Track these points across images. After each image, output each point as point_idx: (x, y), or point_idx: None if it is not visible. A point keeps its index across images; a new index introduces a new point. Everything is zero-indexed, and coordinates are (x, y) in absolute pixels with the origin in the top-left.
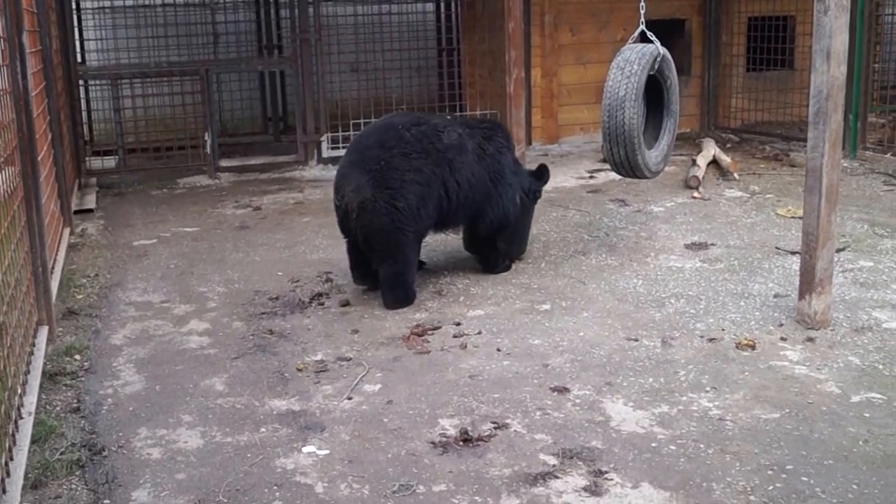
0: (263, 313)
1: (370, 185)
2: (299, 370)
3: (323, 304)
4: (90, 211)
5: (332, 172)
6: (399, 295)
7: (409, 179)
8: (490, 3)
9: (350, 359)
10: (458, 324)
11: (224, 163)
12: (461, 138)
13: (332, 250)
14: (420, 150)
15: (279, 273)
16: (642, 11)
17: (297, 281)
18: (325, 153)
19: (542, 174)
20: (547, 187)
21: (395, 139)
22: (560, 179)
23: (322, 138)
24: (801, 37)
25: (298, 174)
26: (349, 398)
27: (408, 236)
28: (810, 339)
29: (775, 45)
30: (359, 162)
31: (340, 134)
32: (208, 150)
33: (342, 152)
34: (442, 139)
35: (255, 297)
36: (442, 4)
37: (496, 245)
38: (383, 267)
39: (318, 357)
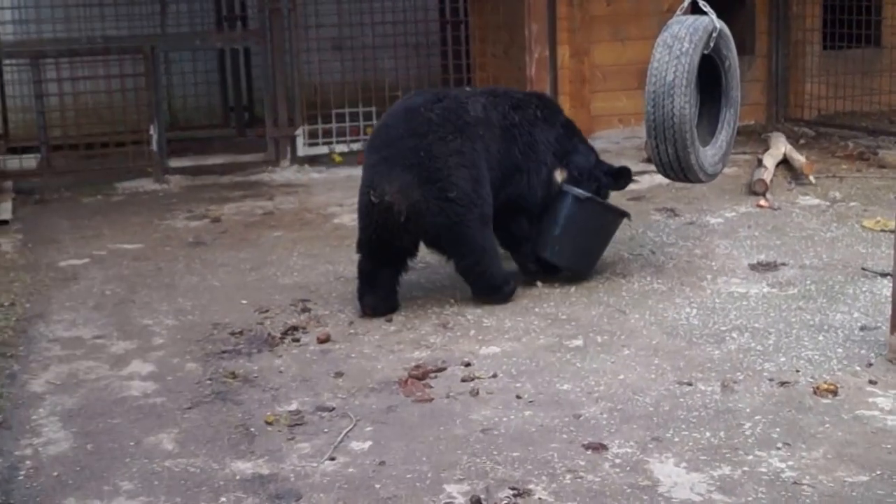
0: (224, 352)
1: (417, 184)
2: (269, 423)
3: (298, 340)
4: (4, 223)
5: (309, 175)
6: (482, 287)
7: (454, 164)
8: None
9: (332, 409)
10: (468, 364)
11: (175, 163)
12: (486, 110)
13: (309, 272)
14: (453, 129)
15: (243, 301)
16: None
17: (266, 311)
18: (301, 151)
19: (620, 174)
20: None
21: (424, 124)
22: None
23: (297, 132)
24: (891, 6)
25: (267, 177)
26: (332, 458)
27: (471, 227)
28: None
29: (858, 18)
30: (395, 157)
31: (320, 127)
32: (155, 147)
33: (322, 150)
34: (469, 111)
35: (213, 332)
36: None
37: (520, 229)
38: (457, 265)
39: (293, 407)
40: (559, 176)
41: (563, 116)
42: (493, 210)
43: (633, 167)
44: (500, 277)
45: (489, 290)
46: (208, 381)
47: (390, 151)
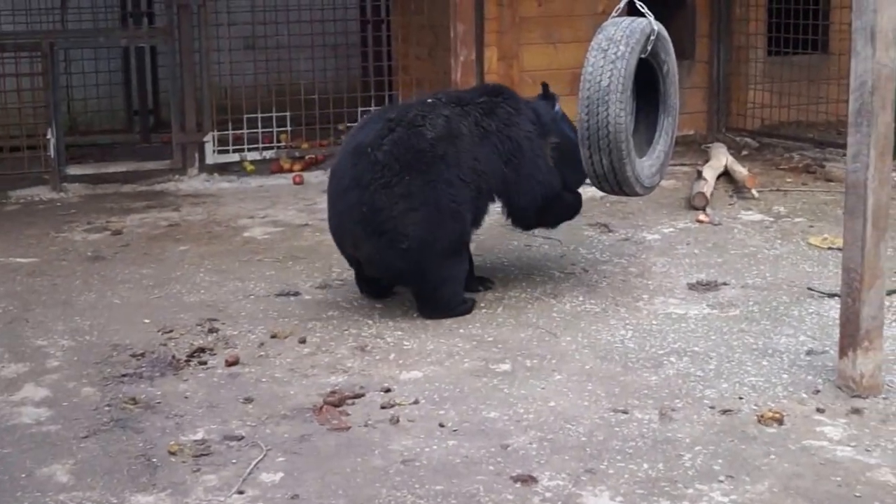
0: (124, 375)
1: (366, 237)
2: (172, 454)
3: (205, 363)
4: None
5: (218, 185)
6: (431, 311)
7: (400, 212)
8: None
9: (242, 438)
10: (388, 390)
11: (73, 170)
12: (449, 123)
13: (217, 290)
14: (400, 168)
15: (146, 321)
16: None
17: (171, 332)
18: (210, 158)
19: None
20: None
21: (368, 170)
22: None
23: (206, 138)
24: (839, 10)
25: (174, 186)
26: (240, 492)
27: (431, 265)
28: (856, 411)
29: (805, 22)
30: (344, 211)
31: (231, 133)
32: (52, 152)
33: (233, 158)
34: (425, 135)
35: (112, 354)
36: None
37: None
38: (413, 290)
39: (199, 435)
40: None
41: (522, 104)
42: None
43: None
44: (454, 303)
45: (437, 313)
46: (107, 408)
47: (340, 205)
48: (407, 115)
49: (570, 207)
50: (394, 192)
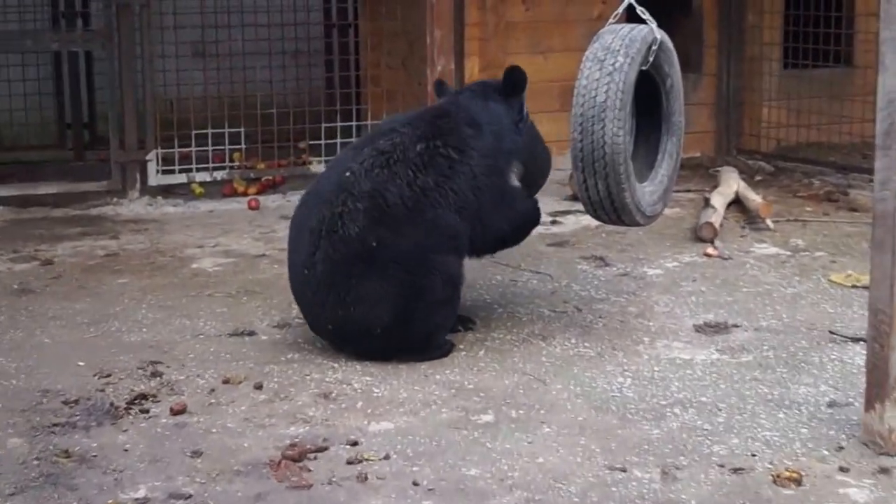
0: (56, 425)
1: (322, 312)
2: None
3: (147, 411)
4: None
5: (163, 209)
6: (405, 353)
7: (354, 284)
8: None
9: (189, 496)
10: (356, 443)
11: None
12: (374, 200)
13: (161, 328)
14: (342, 276)
15: (80, 363)
16: None
17: (108, 376)
18: (154, 179)
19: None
20: None
21: (317, 290)
22: None
23: (149, 157)
24: (864, 18)
25: (112, 211)
26: None
27: (392, 325)
28: (883, 471)
29: (826, 31)
30: (303, 280)
31: (177, 150)
32: None
33: (179, 179)
34: (350, 235)
35: (42, 401)
36: None
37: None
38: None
39: (140, 493)
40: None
41: (471, 135)
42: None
43: (556, 206)
44: (431, 346)
45: (411, 356)
46: (35, 462)
47: (299, 277)
48: (332, 207)
49: (530, 221)
50: (347, 302)
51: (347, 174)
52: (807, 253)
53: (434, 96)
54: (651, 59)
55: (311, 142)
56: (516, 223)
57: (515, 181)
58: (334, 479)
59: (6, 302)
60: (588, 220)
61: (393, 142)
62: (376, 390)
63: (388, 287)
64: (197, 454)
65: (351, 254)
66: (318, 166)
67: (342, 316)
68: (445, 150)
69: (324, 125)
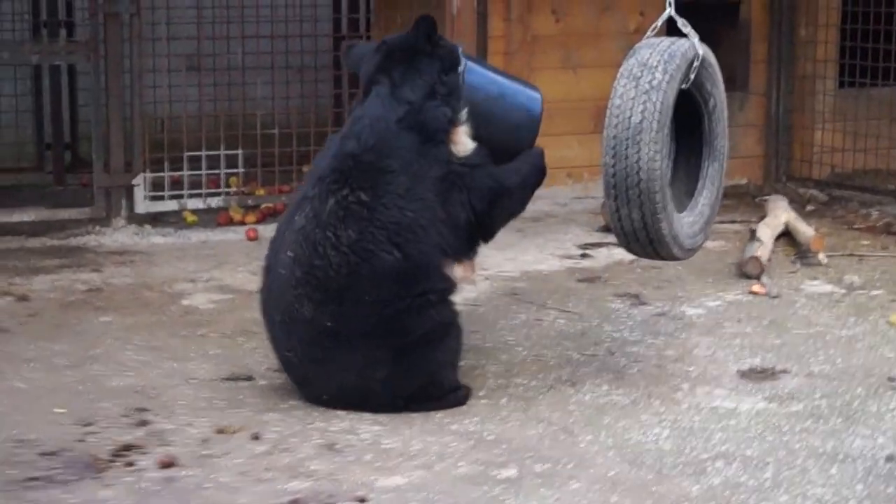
0: (31, 479)
1: (312, 383)
2: None
3: (133, 464)
4: None
5: (151, 239)
6: (418, 400)
7: (334, 357)
8: None
9: None
10: (363, 500)
11: None
12: (301, 250)
13: (149, 372)
14: (304, 314)
15: (58, 410)
16: None
17: (90, 424)
18: (141, 206)
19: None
20: (513, 272)
21: (284, 328)
22: (533, 259)
23: (136, 181)
24: None
25: (94, 241)
26: None
27: (383, 375)
28: None
29: (886, 48)
30: (287, 360)
31: (167, 174)
32: None
33: (169, 205)
34: (294, 275)
35: (16, 452)
36: None
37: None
38: None
39: None
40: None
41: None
42: None
43: (586, 238)
44: (446, 390)
45: (424, 404)
46: None
47: (283, 360)
48: (284, 296)
49: (527, 176)
50: (333, 372)
51: (281, 270)
52: (863, 291)
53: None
54: (692, 76)
55: None
56: (498, 194)
57: (468, 146)
58: None
59: None
60: (621, 254)
61: (305, 213)
62: (386, 441)
63: (368, 352)
64: None
65: (317, 334)
66: None
67: (336, 385)
68: (355, 195)
69: None
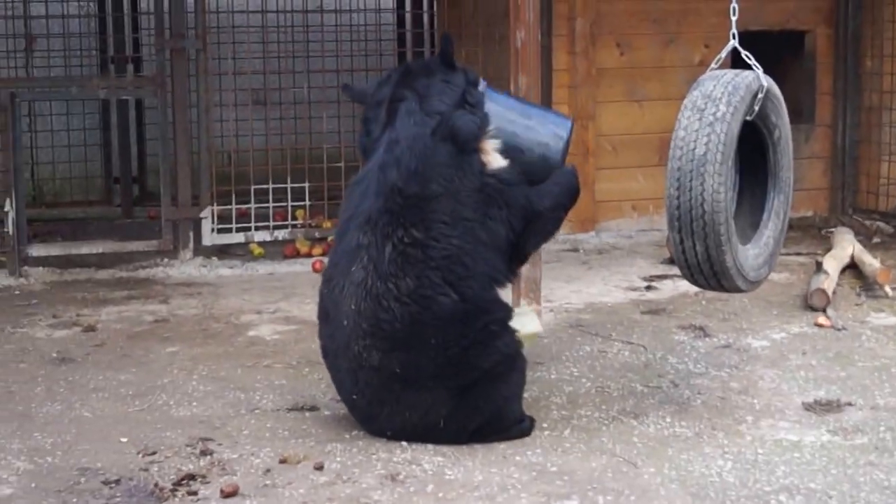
0: None
1: (376, 421)
2: None
3: (196, 493)
4: None
5: (217, 271)
6: (481, 432)
7: (402, 398)
8: (486, 0)
9: None
10: None
11: (37, 251)
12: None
13: (213, 401)
14: (372, 362)
15: (123, 439)
16: (734, 18)
17: (154, 453)
18: (208, 239)
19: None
20: (578, 303)
21: (351, 372)
22: (598, 291)
23: (203, 214)
24: None
25: (162, 272)
26: None
27: (448, 411)
28: None
29: None
30: (353, 402)
31: (234, 207)
32: (10, 228)
33: (236, 238)
34: (360, 326)
35: (80, 480)
36: None
37: None
38: None
39: None
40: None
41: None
42: None
43: (651, 270)
44: (510, 422)
45: (488, 435)
46: None
47: (348, 401)
48: (351, 343)
49: (560, 202)
50: (401, 410)
51: (345, 321)
52: None
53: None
54: (757, 108)
55: None
56: (533, 214)
57: (499, 161)
58: None
59: (44, 371)
60: (686, 286)
61: (363, 264)
62: (449, 472)
63: (436, 393)
64: None
65: (385, 379)
66: None
67: (399, 422)
68: (409, 234)
69: None
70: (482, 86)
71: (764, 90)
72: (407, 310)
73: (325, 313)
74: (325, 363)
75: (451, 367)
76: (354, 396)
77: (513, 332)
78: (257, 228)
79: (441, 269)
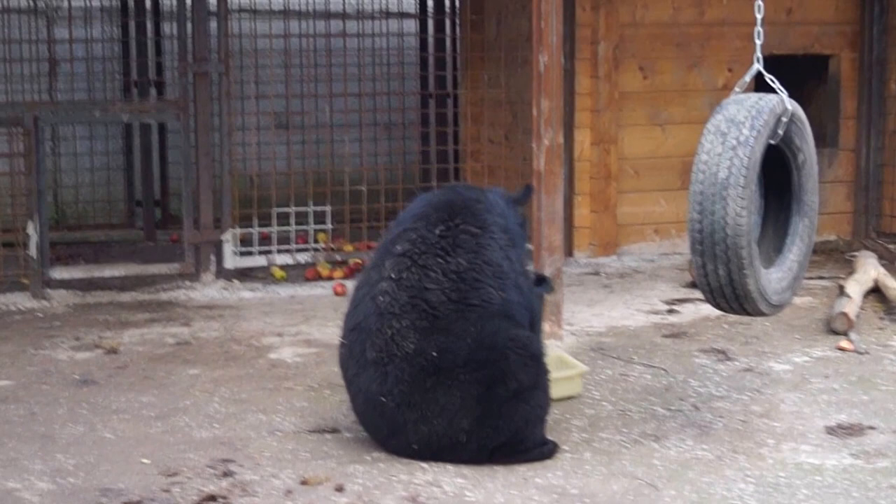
0: None
1: (404, 431)
2: None
3: None
4: None
5: (239, 294)
6: (502, 453)
7: (432, 398)
8: (508, 24)
9: None
10: None
11: (59, 274)
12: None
13: (234, 423)
14: (406, 349)
15: (144, 460)
16: (759, 42)
17: (175, 475)
18: (230, 262)
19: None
20: (600, 327)
21: (380, 370)
22: (619, 314)
23: (225, 237)
24: None
25: (184, 295)
26: None
27: (474, 418)
28: None
29: None
30: (379, 408)
31: (256, 230)
32: (33, 252)
33: (258, 261)
34: (397, 303)
35: (101, 501)
36: (430, 23)
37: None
38: None
39: None
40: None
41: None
42: None
43: (673, 294)
44: (532, 444)
45: (509, 457)
46: None
47: (372, 412)
48: (381, 336)
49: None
50: (429, 416)
51: (380, 298)
52: None
53: None
54: (780, 131)
55: None
56: (538, 308)
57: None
58: None
59: (66, 393)
60: (708, 309)
61: (409, 239)
62: (469, 494)
63: (465, 390)
64: None
65: (418, 370)
66: None
67: (426, 431)
68: (465, 226)
69: None
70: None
71: (788, 114)
72: (455, 286)
73: (354, 304)
74: (345, 368)
75: (483, 353)
76: (383, 398)
77: (542, 360)
78: (279, 251)
79: (492, 266)
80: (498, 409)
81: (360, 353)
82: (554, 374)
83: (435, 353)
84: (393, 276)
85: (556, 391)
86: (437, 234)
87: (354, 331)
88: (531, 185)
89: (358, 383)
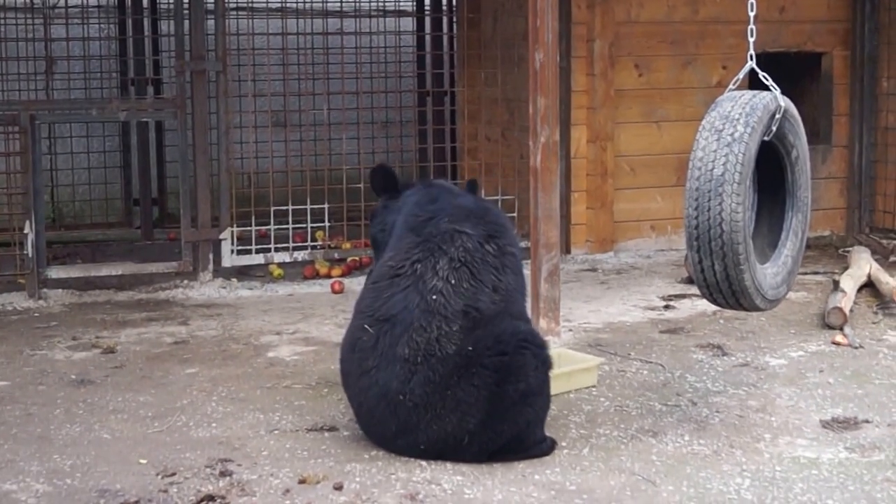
0: None
1: (415, 431)
2: None
3: None
4: None
5: (237, 293)
6: (501, 450)
7: (450, 395)
8: (505, 22)
9: None
10: None
11: (56, 273)
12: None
13: (232, 422)
14: (447, 351)
15: (142, 461)
16: (752, 39)
17: (173, 475)
18: (228, 260)
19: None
20: (597, 323)
21: (408, 367)
22: (616, 310)
23: (223, 235)
24: None
25: (181, 294)
26: None
27: (482, 415)
28: None
29: None
30: (391, 408)
31: (254, 229)
32: (29, 251)
33: (256, 259)
34: (448, 353)
35: (99, 502)
36: (427, 21)
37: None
38: None
39: None
40: None
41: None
42: None
43: (669, 290)
44: (530, 442)
45: (507, 454)
46: None
47: (383, 411)
48: (426, 333)
49: None
50: (442, 415)
51: (433, 297)
52: None
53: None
54: (774, 128)
55: None
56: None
57: None
58: None
59: (63, 393)
60: (704, 305)
61: (465, 248)
62: (468, 492)
63: (482, 380)
64: None
65: (450, 370)
66: None
67: (436, 430)
68: (509, 247)
69: None
70: None
71: (781, 111)
72: (503, 299)
73: (385, 292)
74: (355, 359)
75: (501, 346)
76: (401, 397)
77: (550, 366)
78: (277, 250)
79: (524, 281)
80: (504, 412)
81: (387, 347)
82: (571, 366)
83: (471, 348)
84: (452, 281)
85: (573, 382)
86: (492, 252)
87: (387, 321)
88: (475, 179)
89: (375, 377)
